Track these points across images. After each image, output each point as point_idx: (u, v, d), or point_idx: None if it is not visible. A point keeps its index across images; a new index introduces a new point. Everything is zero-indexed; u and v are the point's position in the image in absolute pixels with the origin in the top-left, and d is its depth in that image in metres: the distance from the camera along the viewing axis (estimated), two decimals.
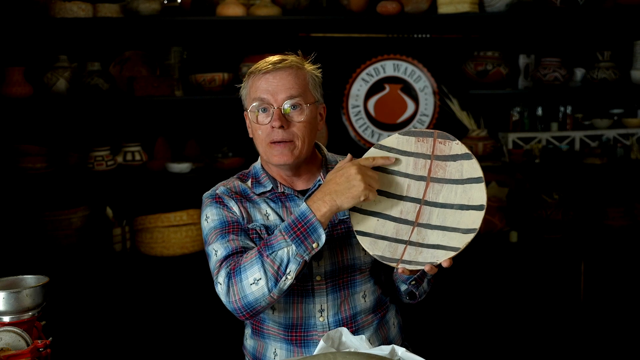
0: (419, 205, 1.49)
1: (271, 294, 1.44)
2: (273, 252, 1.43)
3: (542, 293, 3.49)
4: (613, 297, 3.49)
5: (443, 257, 1.40)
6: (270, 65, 1.57)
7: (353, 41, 3.63)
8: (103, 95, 3.31)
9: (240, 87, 1.68)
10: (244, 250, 1.52)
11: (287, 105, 1.55)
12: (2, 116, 3.37)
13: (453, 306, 3.44)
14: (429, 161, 1.50)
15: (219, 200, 1.62)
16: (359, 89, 3.65)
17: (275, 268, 1.42)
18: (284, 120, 1.55)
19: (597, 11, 3.43)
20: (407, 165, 1.52)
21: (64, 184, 3.43)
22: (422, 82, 3.66)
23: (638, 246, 3.52)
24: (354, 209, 1.52)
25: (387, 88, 3.67)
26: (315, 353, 1.31)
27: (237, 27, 3.54)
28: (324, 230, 1.43)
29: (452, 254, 1.40)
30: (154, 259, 3.30)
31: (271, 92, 1.56)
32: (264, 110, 1.57)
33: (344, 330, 1.37)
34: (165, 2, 3.37)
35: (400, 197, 1.51)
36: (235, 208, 1.61)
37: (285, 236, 1.43)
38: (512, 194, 3.66)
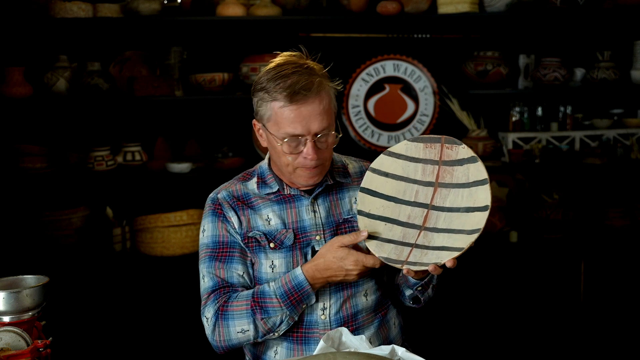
0: (426, 210, 1.51)
1: (255, 341, 1.57)
2: (268, 316, 1.53)
3: (542, 293, 3.49)
4: (613, 297, 3.50)
5: (447, 258, 1.41)
6: (299, 95, 1.47)
7: (353, 41, 3.63)
8: (103, 95, 3.30)
9: (250, 92, 1.59)
10: (229, 286, 1.58)
11: (318, 136, 1.52)
12: (2, 116, 3.37)
13: (453, 306, 3.44)
14: (436, 167, 1.53)
15: (217, 208, 1.63)
16: (359, 89, 3.65)
17: (267, 328, 1.54)
18: (317, 150, 1.53)
19: (597, 11, 3.42)
20: (415, 171, 1.55)
21: (64, 184, 3.43)
22: (422, 82, 3.66)
23: (638, 246, 3.52)
24: (361, 213, 1.54)
25: (387, 88, 3.67)
26: (315, 353, 1.31)
27: (237, 27, 3.54)
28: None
29: (456, 254, 1.41)
30: (154, 259, 3.30)
31: (303, 125, 1.49)
32: (294, 140, 1.51)
33: (344, 330, 1.37)
34: (165, 2, 3.37)
35: (409, 203, 1.53)
36: (234, 218, 1.61)
37: (282, 304, 1.52)
38: (512, 194, 3.66)
